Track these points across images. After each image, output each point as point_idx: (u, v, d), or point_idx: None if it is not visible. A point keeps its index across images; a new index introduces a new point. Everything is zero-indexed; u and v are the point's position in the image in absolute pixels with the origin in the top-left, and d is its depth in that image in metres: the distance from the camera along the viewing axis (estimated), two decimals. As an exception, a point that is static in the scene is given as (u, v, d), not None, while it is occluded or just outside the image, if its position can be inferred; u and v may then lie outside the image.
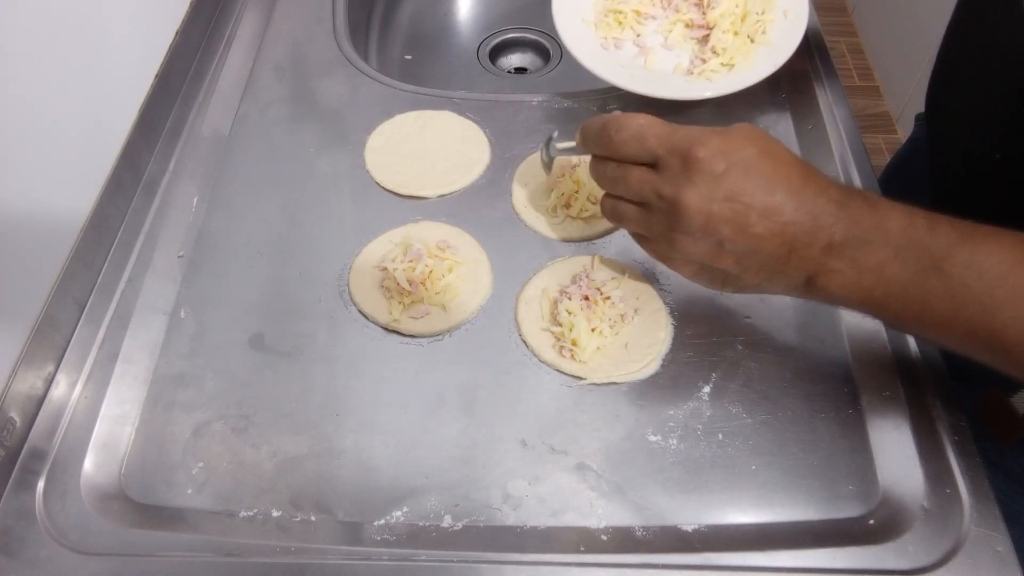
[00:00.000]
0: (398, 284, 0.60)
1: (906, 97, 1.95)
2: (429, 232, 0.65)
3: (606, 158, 0.50)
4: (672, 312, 0.60)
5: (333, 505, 0.52)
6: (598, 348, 0.57)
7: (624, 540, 0.50)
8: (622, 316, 0.59)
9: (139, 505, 0.52)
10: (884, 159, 1.61)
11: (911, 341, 0.58)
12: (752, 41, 0.72)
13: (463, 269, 0.62)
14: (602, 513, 0.51)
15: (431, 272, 0.61)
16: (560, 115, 0.75)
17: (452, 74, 0.99)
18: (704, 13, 0.74)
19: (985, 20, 0.59)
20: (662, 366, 0.57)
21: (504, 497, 0.52)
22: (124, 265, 0.65)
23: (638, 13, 0.76)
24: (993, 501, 0.50)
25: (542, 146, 0.62)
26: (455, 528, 0.51)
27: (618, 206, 0.51)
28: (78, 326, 0.61)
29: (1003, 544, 0.48)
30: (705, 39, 0.73)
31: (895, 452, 0.52)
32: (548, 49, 1.01)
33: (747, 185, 0.44)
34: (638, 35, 0.76)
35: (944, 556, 0.48)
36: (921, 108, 0.76)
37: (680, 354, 0.58)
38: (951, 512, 0.49)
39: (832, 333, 0.58)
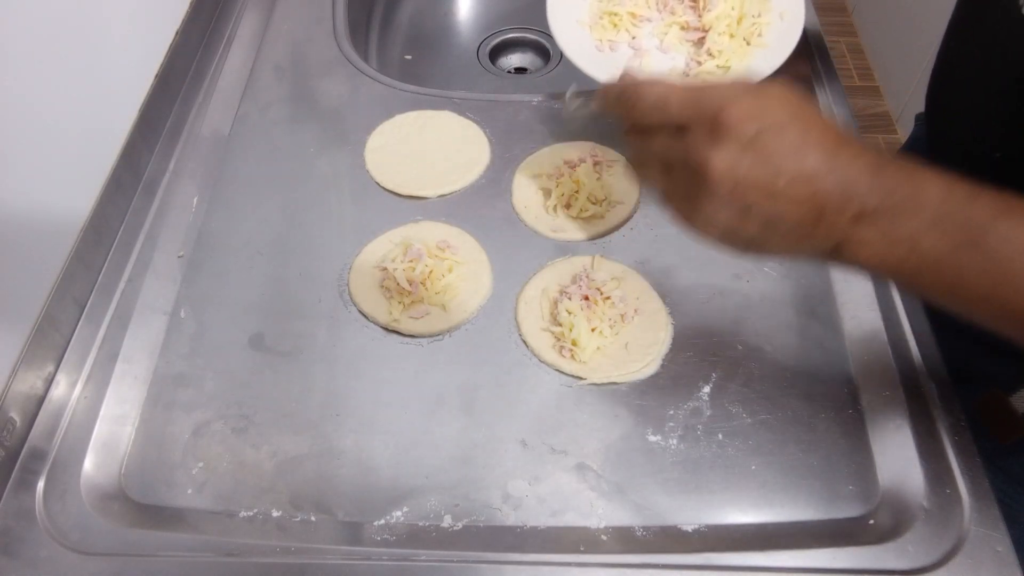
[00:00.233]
0: (398, 284, 0.60)
1: (906, 97, 1.95)
2: (429, 232, 0.65)
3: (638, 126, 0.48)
4: (672, 312, 0.60)
5: (333, 505, 0.52)
6: (598, 348, 0.57)
7: (624, 540, 0.50)
8: (622, 316, 0.59)
9: (139, 505, 0.52)
10: (884, 159, 1.61)
11: (911, 341, 0.58)
12: (748, 44, 0.72)
13: (463, 269, 0.62)
14: (602, 513, 0.51)
15: (431, 272, 0.61)
16: (560, 115, 0.75)
17: (452, 74, 0.99)
18: (700, 16, 0.74)
19: (985, 20, 0.59)
20: (662, 366, 0.57)
21: (504, 497, 0.52)
22: (124, 265, 0.65)
23: (633, 15, 0.76)
24: (993, 501, 0.50)
25: (564, 101, 0.60)
26: (455, 528, 0.51)
27: (644, 164, 0.49)
28: (78, 326, 0.61)
29: (1003, 544, 0.48)
30: (701, 41, 0.73)
31: (895, 452, 0.52)
32: (548, 49, 1.01)
33: (778, 150, 0.41)
34: (633, 37, 0.75)
35: (944, 556, 0.48)
36: (921, 108, 0.76)
37: (680, 354, 0.58)
38: (951, 512, 0.49)
39: (832, 333, 0.58)
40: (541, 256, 0.64)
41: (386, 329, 0.60)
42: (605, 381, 0.56)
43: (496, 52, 1.02)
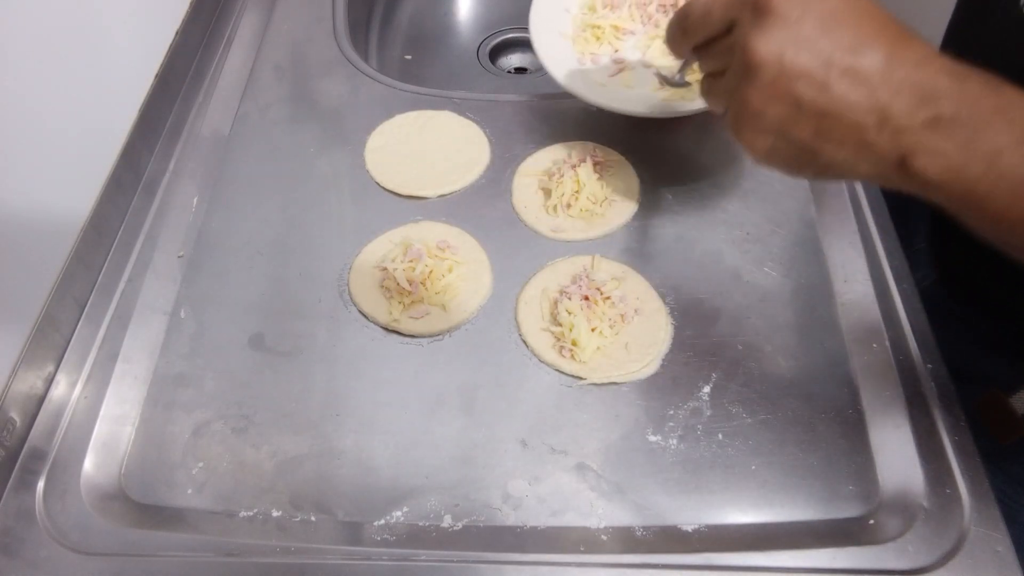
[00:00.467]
0: (398, 284, 0.60)
1: (906, 97, 1.94)
2: (429, 232, 0.65)
3: (699, 47, 0.46)
4: (672, 312, 0.60)
5: (333, 505, 0.52)
6: (598, 348, 0.57)
7: (624, 540, 0.50)
8: (622, 316, 0.59)
9: (139, 505, 0.52)
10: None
11: (911, 341, 0.58)
12: None
13: (463, 269, 0.63)
14: (602, 513, 0.51)
15: (431, 272, 0.61)
16: (560, 115, 0.75)
17: (452, 74, 0.99)
18: None
19: (985, 20, 0.59)
20: (662, 366, 0.57)
21: (504, 497, 0.52)
22: (124, 265, 0.65)
23: (617, 28, 0.74)
24: (993, 501, 0.50)
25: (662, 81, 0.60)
26: (455, 528, 0.51)
27: (710, 91, 0.47)
28: (78, 326, 0.61)
29: (1003, 544, 0.48)
30: None
31: (895, 452, 0.52)
32: (548, 49, 1.01)
33: (828, 36, 0.38)
34: (616, 51, 0.74)
35: (944, 556, 0.48)
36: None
37: (680, 354, 0.58)
38: (951, 512, 0.49)
39: (832, 333, 0.58)
40: (541, 256, 0.64)
41: (386, 329, 0.60)
42: (605, 381, 0.56)
43: (496, 52, 1.02)
